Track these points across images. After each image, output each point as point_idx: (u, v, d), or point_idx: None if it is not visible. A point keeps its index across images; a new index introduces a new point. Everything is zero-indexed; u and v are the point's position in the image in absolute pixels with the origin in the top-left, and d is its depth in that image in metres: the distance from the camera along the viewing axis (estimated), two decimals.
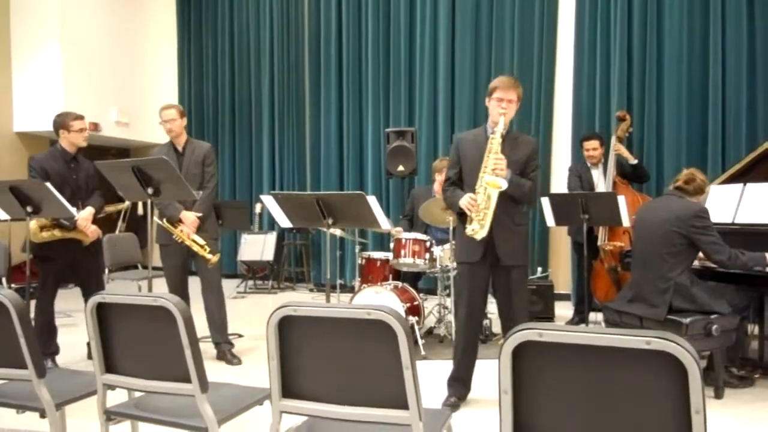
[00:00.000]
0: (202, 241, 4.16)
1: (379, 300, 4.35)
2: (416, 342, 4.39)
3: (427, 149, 7.02)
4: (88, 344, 3.79)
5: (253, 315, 6.08)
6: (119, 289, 4.47)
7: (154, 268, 3.87)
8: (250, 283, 7.72)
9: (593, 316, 5.29)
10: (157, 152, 4.21)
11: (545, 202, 4.51)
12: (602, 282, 5.17)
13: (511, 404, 1.35)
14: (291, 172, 8.00)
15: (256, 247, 7.45)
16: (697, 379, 1.19)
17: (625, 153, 5.38)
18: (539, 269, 6.33)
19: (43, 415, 2.16)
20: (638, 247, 3.71)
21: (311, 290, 7.68)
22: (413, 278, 5.13)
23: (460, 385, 3.40)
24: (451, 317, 4.57)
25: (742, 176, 4.30)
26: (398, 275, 4.94)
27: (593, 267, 5.16)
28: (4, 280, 5.01)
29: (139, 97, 8.31)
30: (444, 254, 4.61)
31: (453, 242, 4.19)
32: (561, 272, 6.54)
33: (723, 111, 5.78)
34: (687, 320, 3.36)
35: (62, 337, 4.22)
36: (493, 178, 3.06)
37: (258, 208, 7.83)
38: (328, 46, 7.66)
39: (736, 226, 3.90)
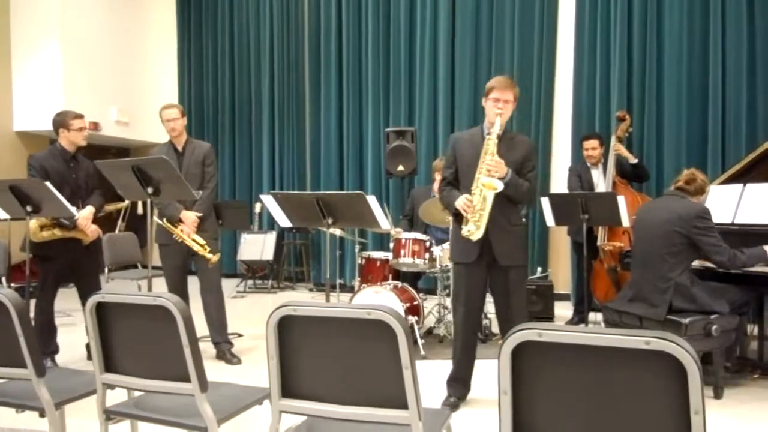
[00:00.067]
0: (202, 241, 4.16)
1: (378, 300, 4.35)
2: (416, 342, 4.39)
3: (427, 149, 7.02)
4: (87, 345, 3.81)
5: (252, 315, 6.07)
6: (119, 289, 4.48)
7: (154, 268, 3.87)
8: (250, 282, 7.72)
9: (593, 316, 5.29)
10: (157, 152, 4.21)
11: (545, 202, 4.51)
12: (602, 282, 5.17)
13: (511, 404, 1.35)
14: (291, 171, 8.00)
15: (256, 246, 7.45)
16: (696, 379, 1.19)
17: (625, 152, 5.38)
18: (539, 269, 6.33)
19: (42, 415, 2.16)
20: (638, 247, 3.71)
21: (311, 290, 7.68)
22: (413, 278, 5.14)
23: (459, 385, 3.40)
24: (450, 317, 4.56)
25: (742, 176, 4.29)
26: (398, 275, 4.95)
27: (593, 267, 5.16)
28: (3, 279, 5.01)
29: (139, 97, 8.31)
30: (444, 254, 4.60)
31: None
32: (561, 272, 6.55)
33: (723, 111, 5.77)
34: (686, 320, 3.36)
35: (62, 336, 4.21)
36: (489, 180, 3.06)
37: (258, 207, 7.83)
38: (328, 46, 7.65)
39: (735, 226, 3.90)
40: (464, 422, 3.17)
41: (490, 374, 3.60)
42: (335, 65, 7.64)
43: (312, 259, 8.01)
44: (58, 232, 3.99)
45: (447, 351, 4.11)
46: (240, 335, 5.01)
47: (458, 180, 3.35)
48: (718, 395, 3.47)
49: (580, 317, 5.37)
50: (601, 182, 5.27)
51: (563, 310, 5.80)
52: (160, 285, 4.25)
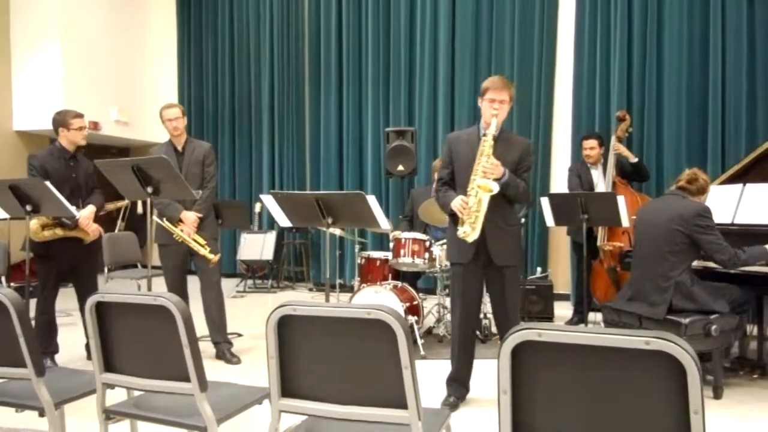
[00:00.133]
0: (203, 241, 4.16)
1: (378, 299, 4.35)
2: (415, 342, 4.39)
3: (427, 149, 7.02)
4: (87, 345, 3.81)
5: (252, 314, 6.08)
6: (119, 288, 4.47)
7: (154, 268, 3.87)
8: (250, 282, 7.72)
9: (592, 316, 5.29)
10: (157, 151, 4.21)
11: (545, 202, 4.51)
12: (601, 282, 5.17)
13: (510, 404, 1.35)
14: (290, 171, 8.00)
15: (256, 246, 7.46)
16: (695, 379, 1.19)
17: (626, 152, 5.38)
18: (539, 269, 6.33)
19: (42, 414, 2.16)
20: (639, 246, 3.71)
21: (310, 290, 7.68)
22: (412, 278, 5.14)
23: (458, 384, 3.40)
24: (450, 317, 4.56)
25: (742, 176, 4.29)
26: (397, 275, 4.95)
27: (592, 267, 5.16)
28: (3, 279, 5.01)
29: (138, 97, 8.31)
30: (443, 253, 4.60)
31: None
32: (560, 272, 6.54)
33: (723, 111, 5.77)
34: (686, 320, 3.36)
35: (62, 336, 4.21)
36: (484, 181, 3.06)
37: (257, 207, 7.83)
38: (328, 46, 7.66)
39: (735, 226, 3.90)
40: (464, 422, 3.17)
41: (489, 374, 3.60)
42: (335, 65, 7.64)
43: (312, 258, 8.01)
44: (59, 232, 3.99)
45: (446, 351, 4.10)
46: (240, 335, 5.01)
47: (455, 180, 3.35)
48: (717, 395, 3.47)
49: (579, 317, 5.37)
50: (600, 182, 5.27)
51: (563, 310, 5.80)
52: (160, 285, 4.25)
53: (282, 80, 7.99)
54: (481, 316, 4.81)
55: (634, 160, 5.38)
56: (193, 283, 4.31)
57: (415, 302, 4.57)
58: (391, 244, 4.71)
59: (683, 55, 5.94)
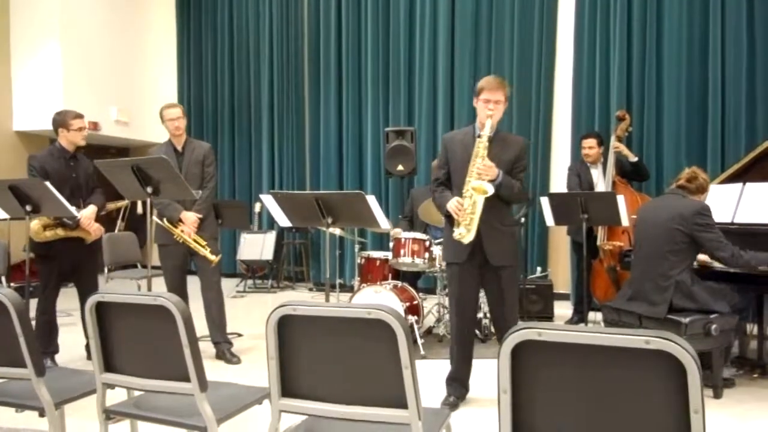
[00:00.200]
0: (203, 242, 4.16)
1: (378, 299, 4.35)
2: (415, 341, 4.39)
3: (427, 149, 7.02)
4: (87, 345, 3.81)
5: (252, 314, 6.08)
6: (118, 288, 4.47)
7: (154, 268, 3.87)
8: (250, 282, 7.72)
9: (592, 315, 5.29)
10: (156, 151, 4.21)
11: (545, 201, 4.51)
12: (601, 281, 5.17)
13: (510, 403, 1.35)
14: (290, 171, 8.00)
15: (256, 246, 7.46)
16: (696, 378, 1.19)
17: (626, 151, 5.38)
18: (538, 269, 6.33)
19: (42, 414, 2.16)
20: (640, 245, 3.71)
21: (310, 289, 7.68)
22: (412, 277, 5.14)
23: (458, 384, 3.40)
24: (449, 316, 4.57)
25: (742, 176, 4.29)
26: (397, 274, 4.95)
27: (592, 266, 5.16)
28: (3, 279, 5.01)
29: (138, 97, 8.31)
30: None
31: None
32: (560, 272, 6.54)
33: (723, 110, 5.77)
34: (686, 320, 3.36)
35: (62, 336, 4.21)
36: (479, 183, 3.06)
37: (257, 207, 7.83)
38: (328, 46, 7.65)
39: (735, 225, 3.90)
40: (464, 422, 3.18)
41: (489, 374, 3.61)
42: (335, 65, 7.63)
43: (311, 258, 8.01)
44: (61, 232, 3.99)
45: (446, 350, 4.10)
46: (240, 335, 5.01)
47: (451, 180, 3.35)
48: (717, 395, 3.47)
49: (579, 317, 5.37)
50: (600, 182, 5.27)
51: (563, 309, 5.80)
52: (160, 285, 4.25)
53: (281, 80, 7.98)
54: (481, 315, 4.82)
55: (633, 159, 5.38)
56: (193, 283, 4.31)
57: (415, 302, 4.57)
58: (391, 244, 4.71)
59: (683, 54, 5.94)
